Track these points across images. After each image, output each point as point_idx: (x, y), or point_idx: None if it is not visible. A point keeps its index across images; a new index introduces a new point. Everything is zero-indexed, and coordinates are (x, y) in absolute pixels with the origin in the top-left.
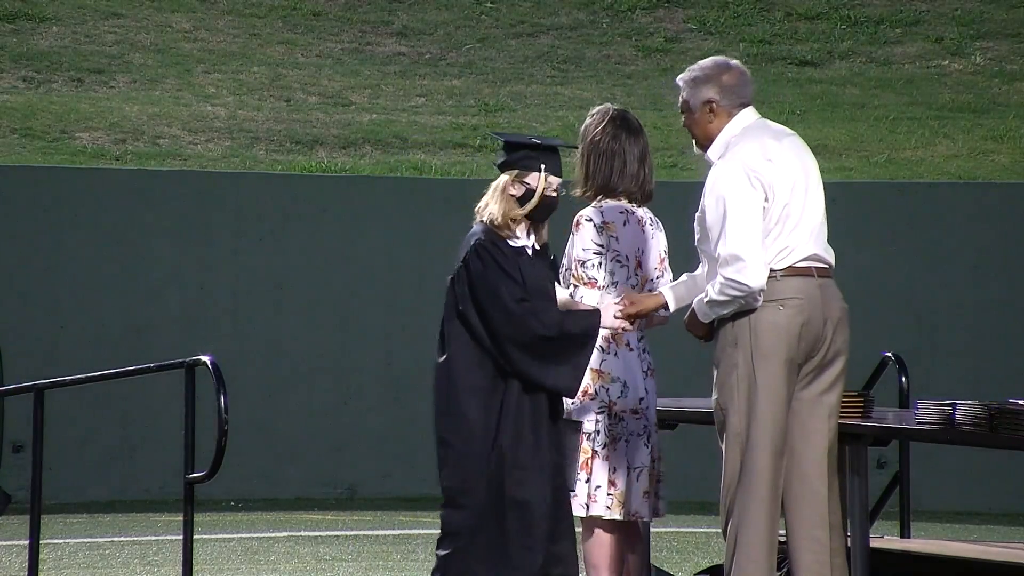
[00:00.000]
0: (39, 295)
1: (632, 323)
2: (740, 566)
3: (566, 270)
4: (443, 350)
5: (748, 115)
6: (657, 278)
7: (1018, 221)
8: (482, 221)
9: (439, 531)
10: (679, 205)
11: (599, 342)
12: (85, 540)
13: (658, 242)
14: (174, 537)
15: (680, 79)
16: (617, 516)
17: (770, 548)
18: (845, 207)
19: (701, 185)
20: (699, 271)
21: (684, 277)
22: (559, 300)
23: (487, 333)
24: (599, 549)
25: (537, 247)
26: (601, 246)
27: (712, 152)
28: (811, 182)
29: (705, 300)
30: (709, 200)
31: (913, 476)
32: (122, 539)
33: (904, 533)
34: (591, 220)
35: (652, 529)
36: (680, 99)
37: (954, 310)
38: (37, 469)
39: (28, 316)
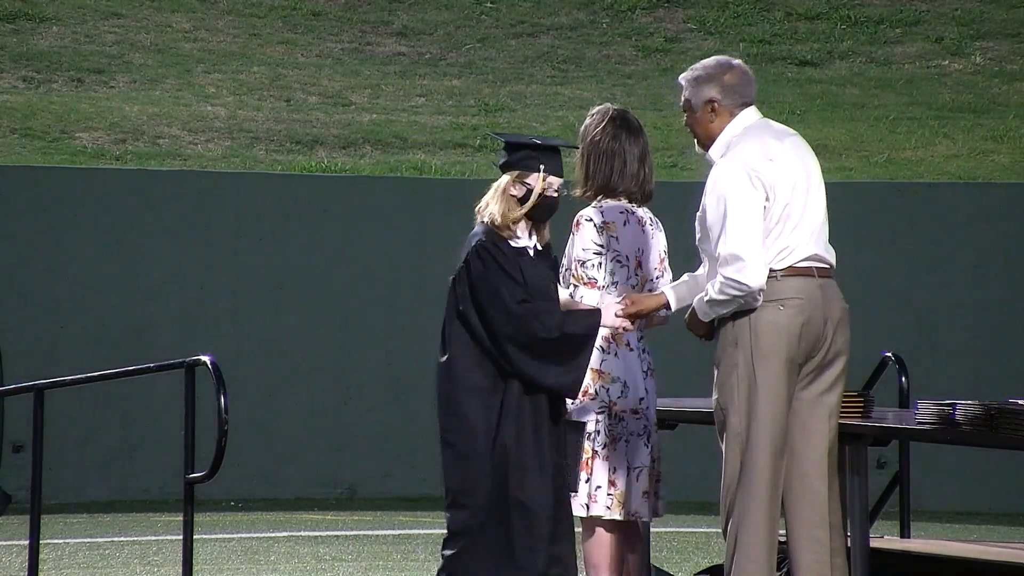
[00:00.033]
0: (39, 295)
1: (632, 323)
2: (740, 566)
3: (566, 270)
4: (444, 350)
5: (750, 115)
6: (657, 278)
7: (1018, 221)
8: (483, 222)
9: (442, 531)
10: (679, 205)
11: (599, 342)
12: (85, 540)
13: (658, 242)
14: (174, 537)
15: (682, 78)
16: (617, 516)
17: (770, 548)
18: (845, 207)
19: (701, 185)
20: (700, 271)
21: (685, 277)
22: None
23: (487, 333)
24: (599, 549)
25: (539, 247)
26: (601, 246)
27: (714, 151)
28: (812, 182)
29: (705, 299)
30: (710, 199)
31: (913, 476)
32: (122, 539)
33: (904, 533)
34: (591, 220)
35: (652, 529)
36: (682, 98)
37: (954, 310)
38: (37, 469)
39: (28, 316)
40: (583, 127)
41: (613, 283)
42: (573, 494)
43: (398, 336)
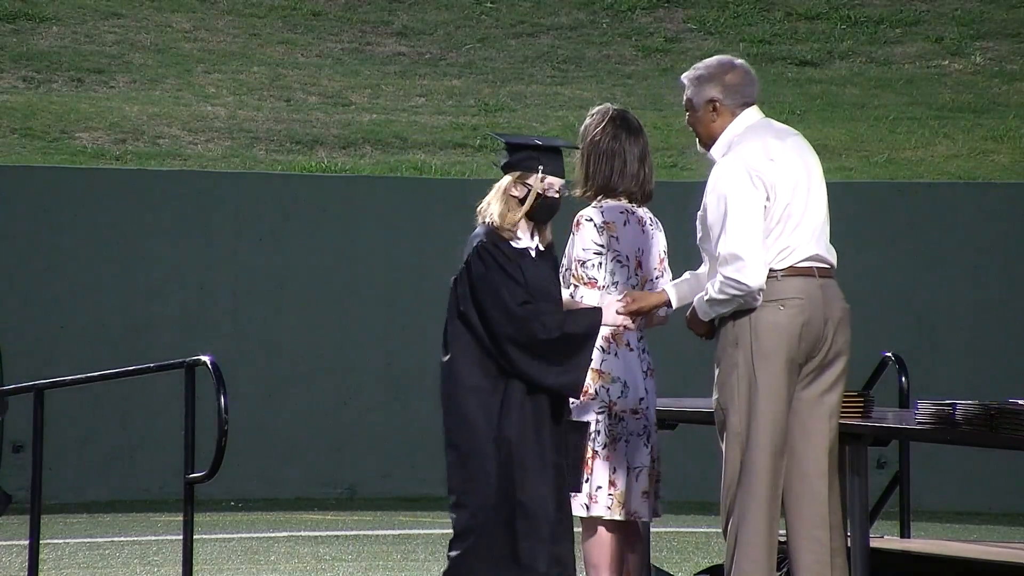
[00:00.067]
0: (39, 295)
1: (633, 321)
2: (740, 566)
3: (566, 270)
4: (446, 351)
5: (752, 114)
6: (657, 278)
7: (1018, 221)
8: (485, 222)
9: (442, 531)
10: (679, 205)
11: (599, 342)
12: (85, 540)
13: (658, 242)
14: (174, 537)
15: (684, 77)
16: (618, 516)
17: (770, 548)
18: (845, 207)
19: (701, 185)
20: (701, 269)
21: (687, 275)
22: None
23: (487, 334)
24: (599, 549)
25: (541, 248)
26: (601, 246)
27: (715, 151)
28: (813, 182)
29: (705, 298)
30: (711, 198)
31: (913, 476)
32: (122, 539)
33: (904, 533)
34: (591, 220)
35: (652, 529)
36: (684, 97)
37: (954, 310)
38: (37, 469)
39: (28, 316)
40: (583, 127)
41: (613, 283)
42: (574, 494)
43: (398, 336)
